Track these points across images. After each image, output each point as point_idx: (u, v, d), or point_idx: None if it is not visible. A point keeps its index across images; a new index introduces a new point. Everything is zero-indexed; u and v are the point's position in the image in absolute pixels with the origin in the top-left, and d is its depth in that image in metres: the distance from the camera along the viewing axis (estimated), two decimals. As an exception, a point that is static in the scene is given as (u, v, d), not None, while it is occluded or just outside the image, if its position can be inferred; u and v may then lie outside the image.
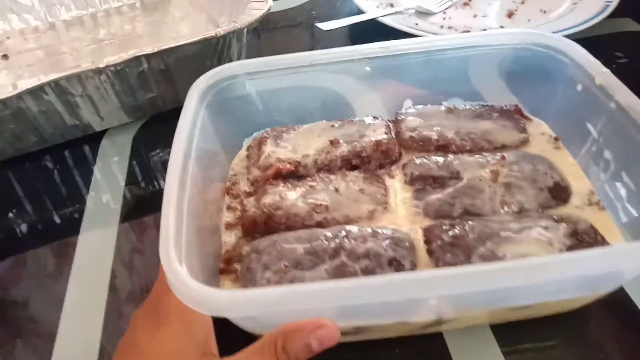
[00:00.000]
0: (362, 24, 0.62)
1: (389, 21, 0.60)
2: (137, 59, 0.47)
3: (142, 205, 0.48)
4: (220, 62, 0.53)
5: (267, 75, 0.42)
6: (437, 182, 0.38)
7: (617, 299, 0.35)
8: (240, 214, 0.38)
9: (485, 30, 0.61)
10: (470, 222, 0.34)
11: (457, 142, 0.41)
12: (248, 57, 0.55)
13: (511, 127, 0.42)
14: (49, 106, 0.48)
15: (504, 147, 0.41)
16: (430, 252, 0.33)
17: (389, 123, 0.43)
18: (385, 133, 0.41)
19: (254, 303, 0.25)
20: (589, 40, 0.57)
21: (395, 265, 0.32)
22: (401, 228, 0.35)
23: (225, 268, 0.35)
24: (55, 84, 0.46)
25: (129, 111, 0.53)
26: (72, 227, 0.45)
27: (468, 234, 0.33)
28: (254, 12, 0.50)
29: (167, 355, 0.28)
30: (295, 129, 0.43)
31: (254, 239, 0.36)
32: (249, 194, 0.40)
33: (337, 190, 0.37)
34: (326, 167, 0.40)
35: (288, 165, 0.39)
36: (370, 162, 0.40)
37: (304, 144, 0.41)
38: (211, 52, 0.51)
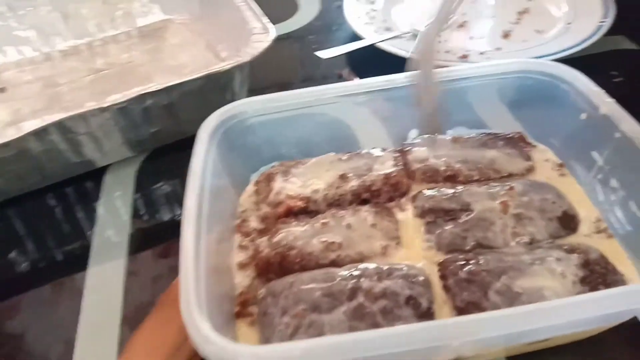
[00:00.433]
0: (360, 49, 0.63)
1: (387, 47, 0.61)
2: (141, 96, 0.47)
3: (149, 237, 0.48)
4: (223, 93, 0.53)
5: (274, 109, 0.43)
6: (448, 214, 0.38)
7: (633, 324, 0.35)
8: (253, 253, 0.38)
9: (482, 53, 0.61)
10: (484, 256, 0.34)
11: (464, 172, 0.41)
12: (249, 85, 0.56)
13: (516, 155, 0.43)
14: (52, 145, 0.47)
15: (510, 176, 0.41)
16: (446, 289, 0.34)
17: (396, 155, 0.43)
18: (394, 166, 0.41)
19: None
20: (584, 59, 0.58)
21: (413, 303, 0.32)
22: (415, 264, 0.35)
23: (241, 311, 0.35)
24: (59, 124, 0.45)
25: (132, 146, 0.53)
26: (79, 262, 0.46)
27: (483, 269, 0.33)
28: (257, 45, 0.50)
29: None
30: (303, 162, 0.43)
31: (268, 279, 0.35)
32: (260, 232, 0.39)
33: (349, 226, 0.37)
34: (336, 202, 0.40)
35: (299, 203, 0.39)
36: (380, 195, 0.40)
37: (313, 178, 0.41)
38: (215, 84, 0.51)
